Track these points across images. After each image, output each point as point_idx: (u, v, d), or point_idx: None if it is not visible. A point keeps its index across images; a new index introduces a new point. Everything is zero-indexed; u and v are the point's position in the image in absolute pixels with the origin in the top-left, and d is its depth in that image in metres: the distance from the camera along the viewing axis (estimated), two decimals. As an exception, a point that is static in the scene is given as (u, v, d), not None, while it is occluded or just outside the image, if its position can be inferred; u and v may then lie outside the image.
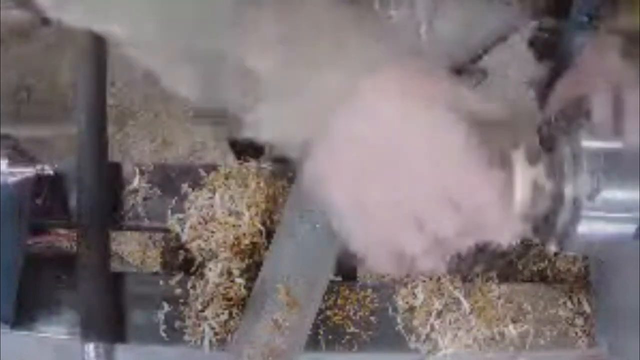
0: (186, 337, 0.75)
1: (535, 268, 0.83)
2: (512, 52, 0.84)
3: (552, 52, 0.81)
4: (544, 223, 0.57)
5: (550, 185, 0.54)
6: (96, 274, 0.75)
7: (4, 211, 0.74)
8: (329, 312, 0.77)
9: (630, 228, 0.55)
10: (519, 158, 0.55)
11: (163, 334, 0.76)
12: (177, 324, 0.76)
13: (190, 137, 1.45)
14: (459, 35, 0.78)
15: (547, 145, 0.57)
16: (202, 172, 0.81)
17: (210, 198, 0.80)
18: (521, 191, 0.54)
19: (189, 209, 0.80)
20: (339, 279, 0.78)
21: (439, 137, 0.44)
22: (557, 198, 0.54)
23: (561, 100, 0.58)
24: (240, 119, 0.47)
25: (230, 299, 0.75)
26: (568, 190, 0.53)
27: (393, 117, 0.44)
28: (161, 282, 0.78)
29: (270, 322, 0.73)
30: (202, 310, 0.75)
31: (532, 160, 0.55)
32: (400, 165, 0.45)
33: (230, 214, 0.79)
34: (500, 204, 0.47)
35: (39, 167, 0.79)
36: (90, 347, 0.73)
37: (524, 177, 0.54)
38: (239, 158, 0.85)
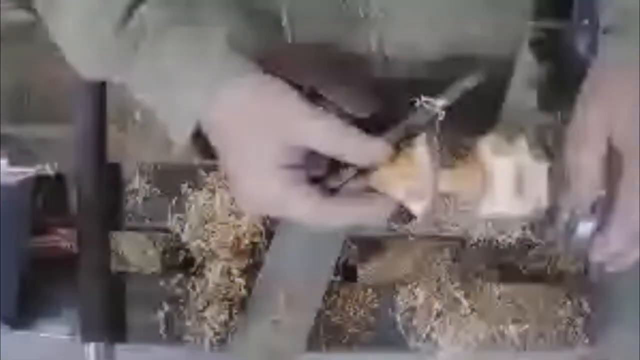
0: (186, 337, 0.75)
1: (535, 268, 0.83)
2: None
3: (552, 52, 0.81)
4: (545, 225, 0.57)
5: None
6: (96, 274, 0.75)
7: (4, 211, 0.74)
8: (329, 312, 0.77)
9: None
10: None
11: (163, 334, 0.76)
12: (177, 324, 0.76)
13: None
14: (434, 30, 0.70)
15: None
16: (202, 172, 0.81)
17: (210, 198, 0.80)
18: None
19: (189, 209, 0.80)
20: (339, 279, 0.78)
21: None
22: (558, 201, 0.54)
23: None
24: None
25: (230, 299, 0.75)
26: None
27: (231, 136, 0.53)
28: (161, 282, 0.78)
29: (270, 322, 0.73)
30: (202, 310, 0.75)
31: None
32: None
33: (230, 214, 0.79)
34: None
35: (39, 167, 0.79)
36: (90, 347, 0.73)
37: None
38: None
